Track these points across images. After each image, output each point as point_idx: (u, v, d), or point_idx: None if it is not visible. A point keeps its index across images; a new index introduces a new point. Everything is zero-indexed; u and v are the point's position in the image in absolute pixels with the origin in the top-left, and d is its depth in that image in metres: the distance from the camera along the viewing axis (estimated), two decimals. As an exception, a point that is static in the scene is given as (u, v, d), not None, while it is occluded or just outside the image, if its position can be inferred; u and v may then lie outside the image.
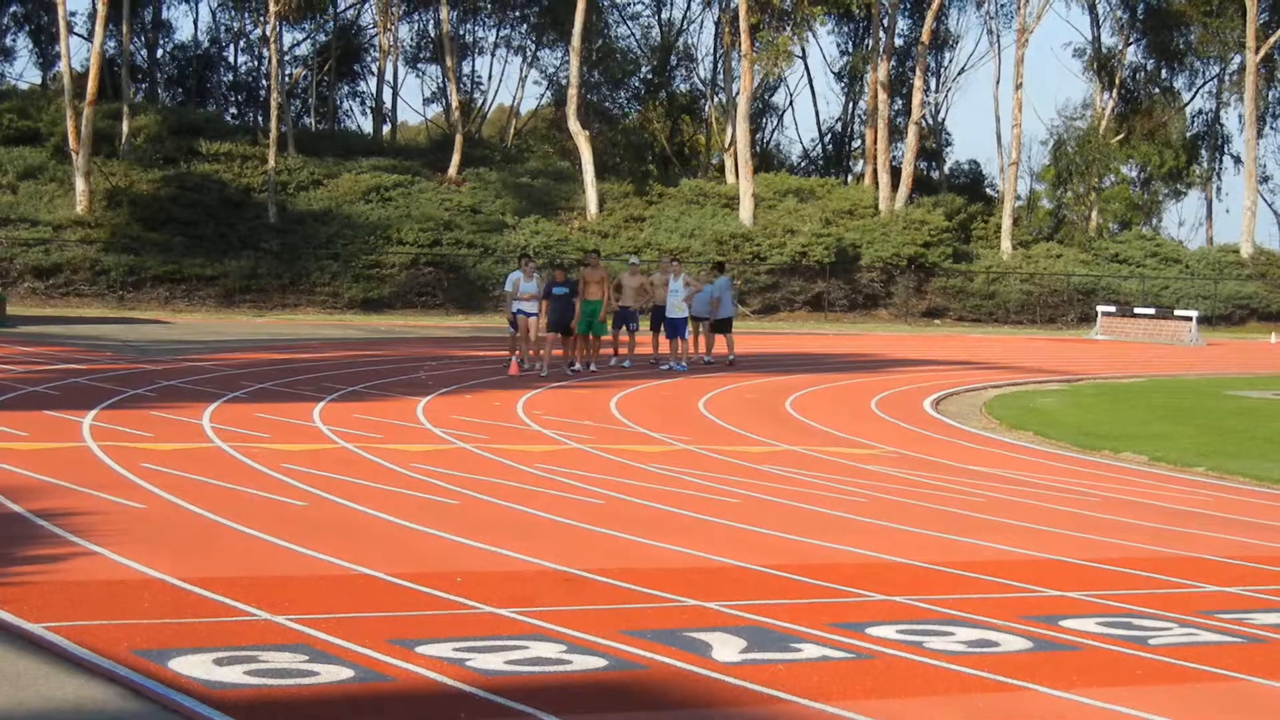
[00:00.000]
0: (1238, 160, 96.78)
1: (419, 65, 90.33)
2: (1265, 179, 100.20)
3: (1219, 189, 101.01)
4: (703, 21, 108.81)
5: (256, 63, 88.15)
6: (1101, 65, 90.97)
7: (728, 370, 36.00)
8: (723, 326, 37.47)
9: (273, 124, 68.79)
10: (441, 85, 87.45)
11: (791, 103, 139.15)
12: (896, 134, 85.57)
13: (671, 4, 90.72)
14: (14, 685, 8.24)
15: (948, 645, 9.97)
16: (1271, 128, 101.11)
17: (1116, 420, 28.12)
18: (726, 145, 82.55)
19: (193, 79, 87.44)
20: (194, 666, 8.59)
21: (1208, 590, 12.43)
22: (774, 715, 8.23)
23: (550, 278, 32.91)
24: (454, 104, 79.94)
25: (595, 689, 8.63)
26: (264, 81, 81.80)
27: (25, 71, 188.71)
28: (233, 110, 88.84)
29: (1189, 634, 10.70)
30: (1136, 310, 68.34)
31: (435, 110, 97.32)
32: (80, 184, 63.54)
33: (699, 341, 37.79)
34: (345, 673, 8.65)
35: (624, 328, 36.48)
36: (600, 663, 9.14)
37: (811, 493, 17.36)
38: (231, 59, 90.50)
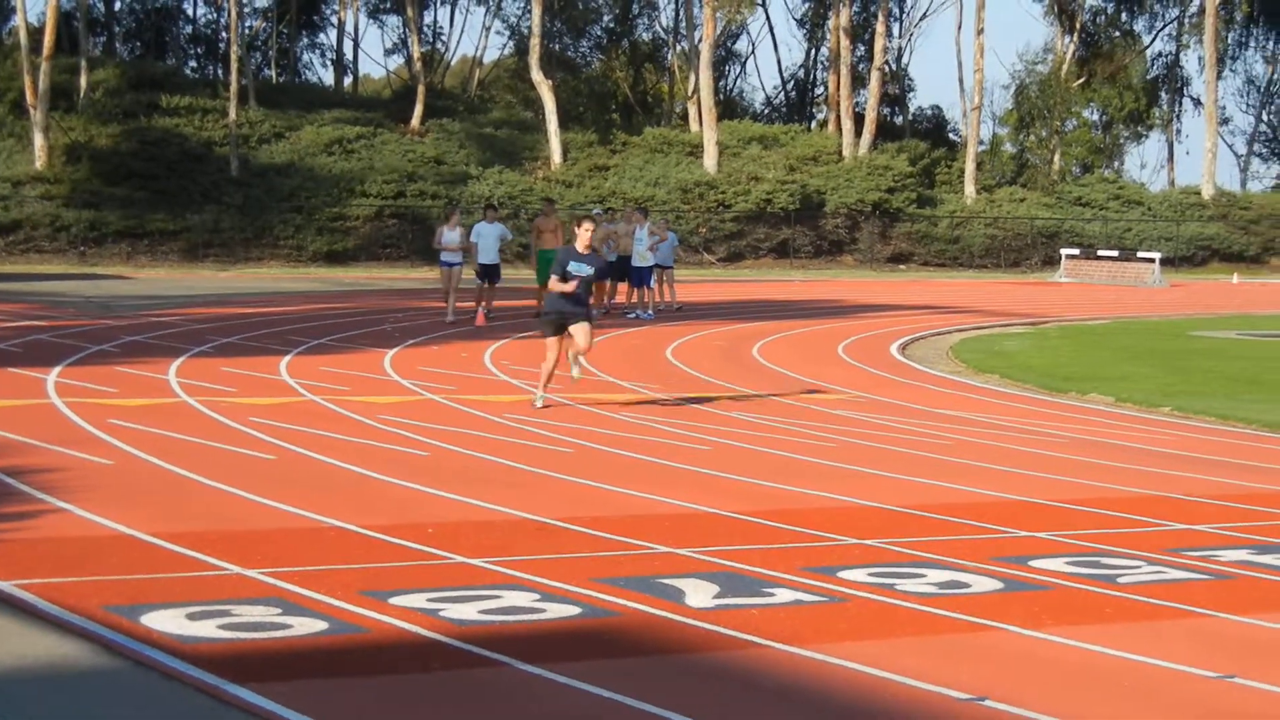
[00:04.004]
0: (1198, 102, 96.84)
1: (380, 16, 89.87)
2: (1225, 121, 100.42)
3: (1179, 131, 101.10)
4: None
5: (216, 15, 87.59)
6: (1062, 9, 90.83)
7: (692, 319, 36.00)
8: (492, 274, 33.88)
9: (233, 77, 68.38)
10: (403, 36, 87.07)
11: (754, 50, 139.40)
12: (859, 80, 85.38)
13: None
14: (-14, 642, 8.24)
15: (919, 587, 10.02)
16: (1231, 70, 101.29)
17: (1082, 362, 28.23)
18: (690, 93, 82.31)
19: (151, 32, 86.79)
20: (166, 621, 8.58)
21: (1175, 528, 12.50)
22: (748, 659, 8.25)
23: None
24: (416, 55, 79.55)
25: (569, 636, 8.65)
26: (224, 34, 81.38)
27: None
28: (192, 63, 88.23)
29: (1157, 572, 10.77)
30: (1100, 253, 68.50)
31: (397, 61, 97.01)
32: (39, 139, 63.09)
33: (663, 290, 37.78)
34: (319, 625, 8.65)
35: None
36: (573, 610, 9.16)
37: (781, 438, 17.39)
38: (190, 11, 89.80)
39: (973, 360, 28.18)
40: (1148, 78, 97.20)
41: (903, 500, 13.34)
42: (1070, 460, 16.37)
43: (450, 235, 32.66)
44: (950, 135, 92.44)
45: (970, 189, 79.56)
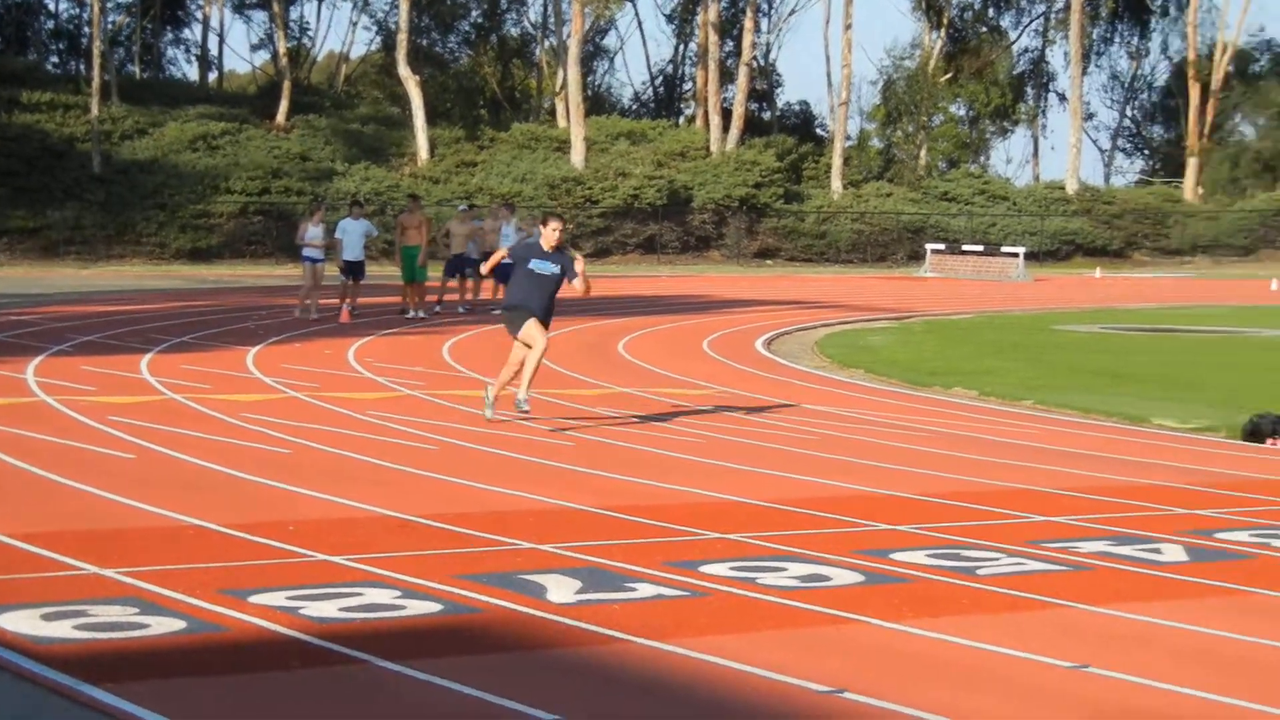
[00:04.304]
0: (1063, 97, 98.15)
1: (245, 11, 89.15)
2: (1090, 116, 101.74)
3: (1045, 126, 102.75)
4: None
5: (78, 9, 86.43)
6: (930, 4, 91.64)
7: (559, 315, 35.98)
8: (356, 270, 33.49)
9: (95, 72, 67.55)
10: (269, 31, 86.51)
11: (622, 45, 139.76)
12: (727, 76, 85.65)
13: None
14: None
15: (781, 581, 10.05)
16: (1096, 65, 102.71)
17: (946, 356, 28.46)
18: (558, 89, 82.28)
19: (12, 27, 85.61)
20: (20, 622, 8.46)
21: (1035, 520, 12.62)
22: (610, 654, 8.25)
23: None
24: (281, 50, 79.07)
25: (430, 634, 8.62)
26: (86, 29, 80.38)
27: None
28: (54, 59, 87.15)
29: (1016, 563, 10.87)
30: (965, 248, 69.14)
31: (263, 57, 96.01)
32: (-104, 136, 62.12)
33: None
34: (177, 624, 8.57)
35: (458, 274, 36.36)
36: (435, 607, 9.12)
37: (645, 434, 17.42)
38: (52, 6, 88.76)
39: (838, 355, 28.35)
40: (1014, 73, 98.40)
41: (765, 494, 13.39)
42: (933, 454, 16.51)
43: (314, 231, 32.48)
44: (818, 131, 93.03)
45: (837, 184, 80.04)
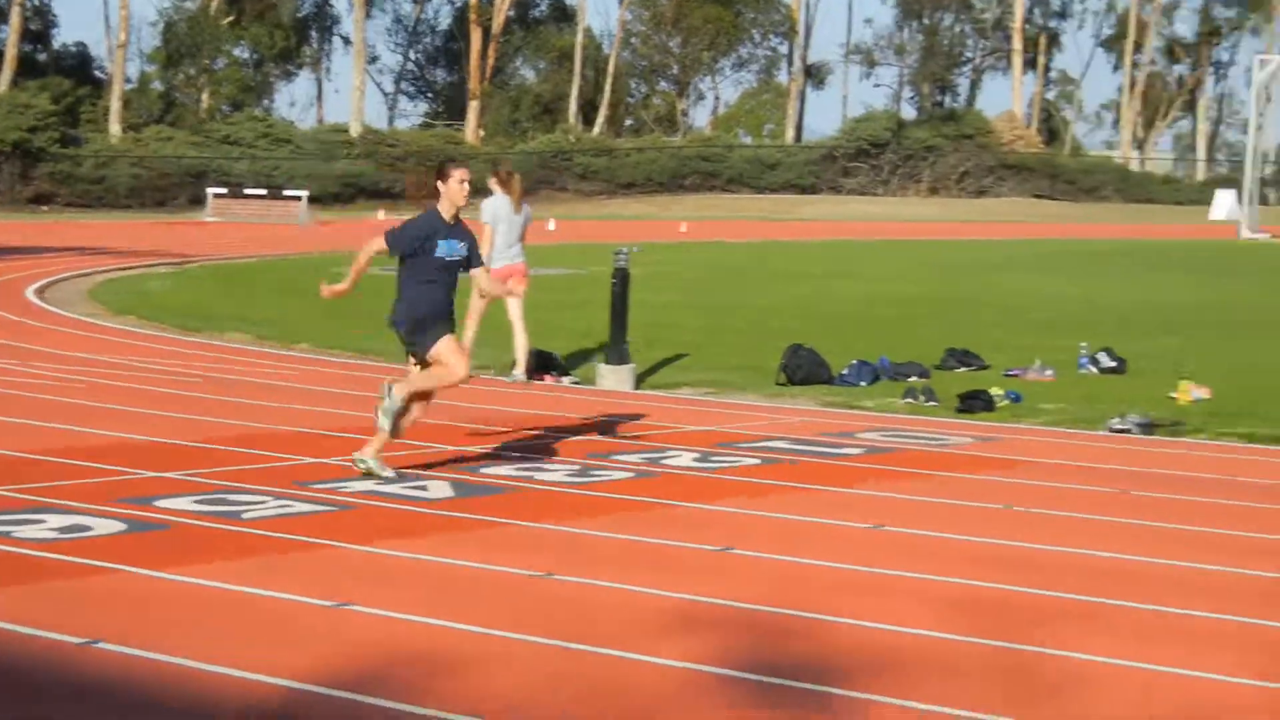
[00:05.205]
0: (347, 41, 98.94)
1: None
2: (374, 59, 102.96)
3: (329, 69, 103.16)
4: None
5: None
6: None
7: None
8: None
9: None
10: None
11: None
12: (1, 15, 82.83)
13: None
14: None
15: (39, 534, 9.79)
16: (380, 9, 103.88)
17: (224, 301, 28.34)
18: None
19: None
20: None
21: (304, 462, 12.67)
22: None
23: None
24: None
25: None
26: None
27: None
28: None
29: (283, 505, 10.89)
30: (247, 191, 68.98)
31: None
32: None
33: None
34: None
35: None
36: None
37: (-98, 387, 16.72)
38: None
39: (111, 302, 27.87)
40: (298, 16, 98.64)
41: (24, 445, 12.99)
42: (203, 399, 16.38)
43: None
44: (96, 73, 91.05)
45: (116, 128, 78.60)
